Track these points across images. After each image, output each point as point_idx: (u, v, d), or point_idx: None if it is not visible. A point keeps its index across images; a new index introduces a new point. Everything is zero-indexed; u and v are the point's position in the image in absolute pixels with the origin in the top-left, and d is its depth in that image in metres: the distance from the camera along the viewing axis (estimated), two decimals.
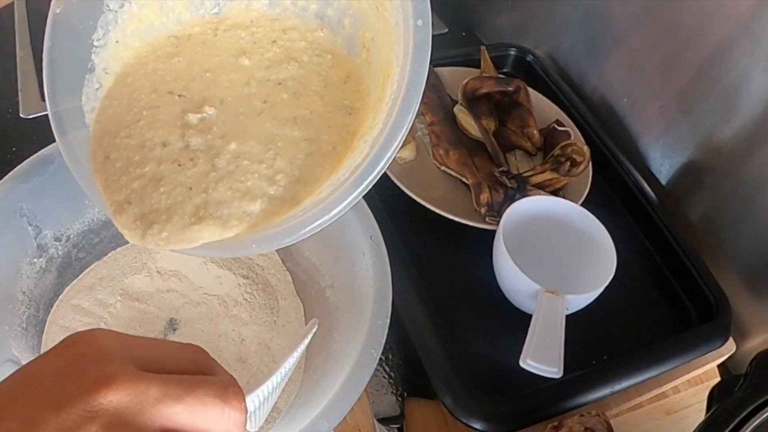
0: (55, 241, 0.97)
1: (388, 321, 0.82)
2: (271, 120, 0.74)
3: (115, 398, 0.43)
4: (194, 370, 0.49)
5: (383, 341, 0.80)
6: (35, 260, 0.94)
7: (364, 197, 0.85)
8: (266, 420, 0.83)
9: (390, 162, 0.65)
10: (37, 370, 0.45)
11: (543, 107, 1.34)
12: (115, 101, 0.77)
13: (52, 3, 0.73)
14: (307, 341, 0.71)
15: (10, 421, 0.41)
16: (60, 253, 0.98)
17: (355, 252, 0.90)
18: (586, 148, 1.15)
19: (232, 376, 0.51)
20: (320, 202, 0.68)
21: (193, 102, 0.75)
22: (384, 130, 0.66)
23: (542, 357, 0.88)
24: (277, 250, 1.04)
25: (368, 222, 0.91)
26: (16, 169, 0.90)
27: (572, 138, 1.23)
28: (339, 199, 0.65)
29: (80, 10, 0.75)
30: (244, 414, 0.50)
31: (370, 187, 0.66)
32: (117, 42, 0.79)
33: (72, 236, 0.99)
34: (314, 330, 0.75)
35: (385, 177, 1.08)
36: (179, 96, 0.75)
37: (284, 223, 0.68)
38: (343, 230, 0.92)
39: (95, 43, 0.78)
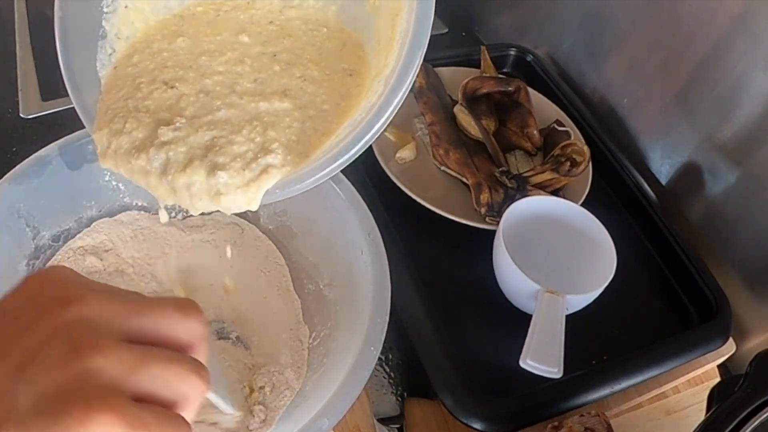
0: (52, 242, 0.97)
1: (387, 319, 0.82)
2: (258, 98, 0.76)
3: (79, 310, 0.44)
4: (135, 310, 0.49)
5: (382, 339, 0.80)
6: (33, 261, 0.95)
7: (362, 197, 0.87)
8: (264, 420, 0.84)
9: (406, 93, 0.69)
10: (10, 303, 0.47)
11: (543, 107, 1.34)
12: (119, 81, 0.79)
13: None
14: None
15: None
16: (57, 253, 0.98)
17: (353, 250, 0.91)
18: (586, 148, 1.16)
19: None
20: (341, 142, 0.71)
21: (181, 96, 0.77)
22: (397, 66, 0.69)
23: (542, 357, 0.88)
24: (278, 248, 1.04)
25: (367, 221, 0.91)
26: (13, 170, 0.90)
27: (572, 138, 1.24)
28: (366, 129, 0.69)
29: None
30: (205, 324, 0.51)
31: (391, 117, 0.70)
32: (126, 7, 0.82)
33: (69, 237, 0.99)
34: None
35: (385, 177, 1.10)
36: (172, 88, 0.77)
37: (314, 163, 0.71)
38: (342, 229, 0.92)
39: (105, 10, 0.81)
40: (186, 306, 0.50)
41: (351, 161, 0.70)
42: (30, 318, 0.44)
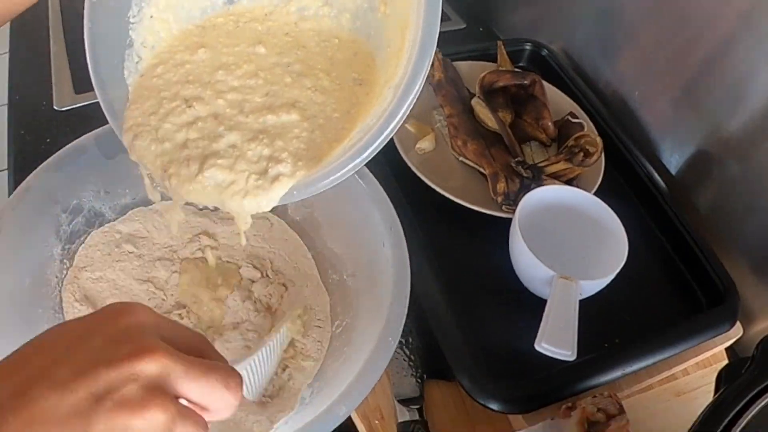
0: (87, 227, 1.00)
1: (406, 310, 0.84)
2: (266, 112, 0.79)
3: (153, 366, 0.51)
4: (199, 351, 0.58)
5: (401, 329, 0.82)
6: (68, 246, 0.97)
7: (384, 187, 0.89)
8: (284, 405, 0.87)
9: (415, 100, 0.70)
10: (87, 330, 0.53)
11: (557, 100, 1.35)
12: (145, 91, 0.81)
13: None
14: (288, 324, 0.78)
15: (64, 369, 0.49)
16: (92, 236, 1.01)
17: (375, 242, 0.93)
18: (598, 140, 1.17)
19: (227, 361, 0.62)
20: (353, 146, 0.73)
21: (197, 119, 0.79)
22: (406, 73, 0.71)
23: (556, 340, 0.89)
24: (304, 239, 1.07)
25: (389, 214, 0.93)
26: (51, 158, 0.93)
27: (585, 130, 1.24)
28: (376, 134, 0.71)
29: None
30: (239, 399, 0.58)
31: (401, 123, 0.71)
32: (152, 17, 0.84)
33: (105, 223, 1.02)
34: (297, 313, 0.80)
35: (405, 167, 1.10)
36: (190, 107, 0.79)
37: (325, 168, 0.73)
38: (365, 221, 0.94)
39: (131, 20, 0.82)
40: (230, 380, 0.57)
41: (363, 164, 0.72)
42: (114, 355, 0.51)
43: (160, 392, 0.51)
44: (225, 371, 0.58)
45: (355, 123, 0.78)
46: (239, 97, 0.80)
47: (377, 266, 0.92)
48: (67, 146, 0.95)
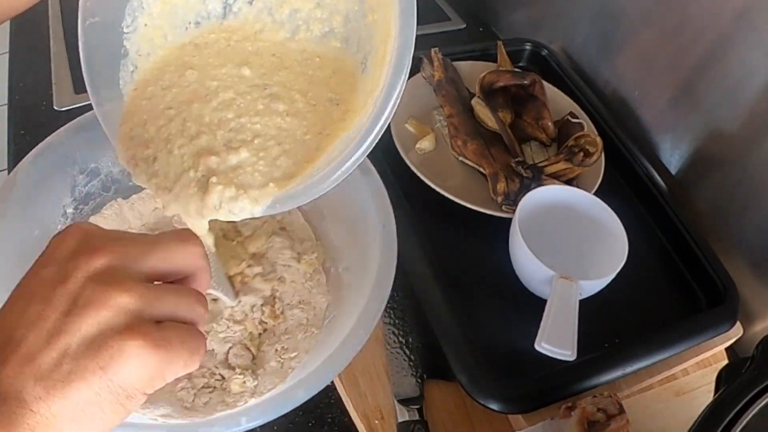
0: (103, 191, 1.02)
1: (382, 309, 0.85)
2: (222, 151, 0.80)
3: (103, 260, 0.55)
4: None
5: (374, 325, 0.83)
6: (82, 206, 1.00)
7: (386, 187, 0.89)
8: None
9: (394, 110, 0.71)
10: (43, 263, 0.57)
11: (557, 100, 1.35)
12: (137, 110, 0.83)
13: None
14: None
15: (33, 307, 0.53)
16: (104, 202, 1.04)
17: (370, 239, 0.93)
18: (598, 139, 1.17)
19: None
20: (336, 158, 0.74)
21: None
22: (385, 83, 0.72)
23: (556, 340, 0.90)
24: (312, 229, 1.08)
25: (384, 211, 0.94)
26: (73, 120, 0.96)
27: (585, 129, 1.24)
28: (361, 141, 0.72)
29: (108, 2, 0.80)
30: (202, 247, 0.62)
31: (381, 132, 0.71)
32: (146, 25, 0.84)
33: (121, 189, 1.04)
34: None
35: (405, 167, 1.11)
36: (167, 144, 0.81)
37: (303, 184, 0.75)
38: (364, 217, 0.95)
39: (125, 30, 0.83)
40: (184, 235, 0.61)
41: (350, 171, 0.73)
42: (65, 271, 0.54)
43: (117, 278, 0.54)
44: (172, 232, 0.62)
45: (330, 142, 0.79)
46: (208, 134, 0.81)
47: (367, 263, 0.92)
48: (90, 112, 0.94)
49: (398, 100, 0.71)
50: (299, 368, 0.90)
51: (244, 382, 0.87)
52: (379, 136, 0.71)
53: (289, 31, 0.90)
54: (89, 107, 0.85)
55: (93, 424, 0.52)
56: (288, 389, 0.79)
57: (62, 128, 0.95)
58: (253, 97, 0.84)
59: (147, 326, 0.54)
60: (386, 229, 0.92)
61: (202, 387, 0.87)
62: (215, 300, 0.91)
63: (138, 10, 0.83)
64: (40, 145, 0.94)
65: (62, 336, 0.51)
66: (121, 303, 0.53)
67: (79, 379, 0.51)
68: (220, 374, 0.89)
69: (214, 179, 0.75)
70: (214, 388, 0.88)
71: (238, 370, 0.89)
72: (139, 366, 0.53)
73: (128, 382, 0.52)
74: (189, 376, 0.88)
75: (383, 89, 0.71)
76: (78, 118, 0.96)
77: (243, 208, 0.74)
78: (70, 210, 0.99)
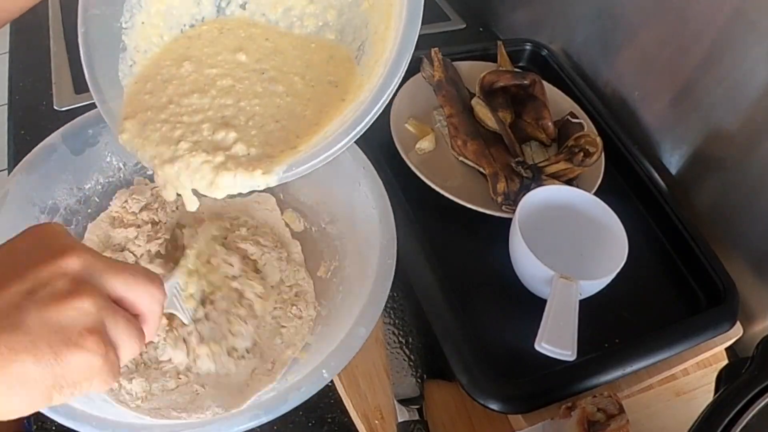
0: (65, 225, 1.00)
1: (395, 240, 0.88)
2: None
3: (78, 261, 0.57)
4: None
5: (394, 262, 0.87)
6: None
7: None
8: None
9: (399, 80, 0.74)
10: (12, 247, 0.59)
11: (557, 100, 1.35)
12: (138, 103, 0.84)
13: None
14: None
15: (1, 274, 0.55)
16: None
17: (351, 184, 0.95)
18: (598, 140, 1.17)
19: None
20: (349, 119, 0.76)
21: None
22: (396, 42, 0.74)
23: (556, 340, 0.89)
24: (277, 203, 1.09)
25: (359, 155, 0.96)
26: (24, 160, 0.95)
27: (585, 130, 1.25)
28: (364, 114, 0.75)
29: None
30: (164, 295, 0.65)
31: (387, 101, 0.74)
32: (143, 23, 0.87)
33: (81, 220, 1.03)
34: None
35: (405, 167, 1.11)
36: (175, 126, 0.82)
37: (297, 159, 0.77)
38: (336, 167, 0.94)
39: (124, 26, 0.85)
40: (151, 276, 0.63)
41: (360, 133, 0.75)
42: (37, 258, 0.56)
43: (88, 284, 0.57)
44: (144, 268, 0.64)
45: (329, 119, 0.81)
46: (206, 118, 0.83)
47: (357, 207, 0.95)
48: (37, 147, 0.96)
49: (408, 62, 0.74)
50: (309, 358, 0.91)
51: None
52: (394, 90, 0.74)
53: (283, 29, 0.92)
54: (89, 107, 0.86)
55: (23, 398, 0.53)
56: (312, 371, 0.79)
57: (14, 171, 0.94)
58: (252, 82, 0.85)
59: (103, 334, 0.56)
60: (366, 170, 0.97)
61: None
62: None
63: (136, 7, 0.85)
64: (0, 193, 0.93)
65: (20, 310, 0.53)
66: (86, 305, 0.55)
67: (27, 353, 0.52)
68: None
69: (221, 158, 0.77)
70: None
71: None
72: (84, 364, 0.55)
73: (69, 374, 0.54)
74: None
75: (394, 48, 0.74)
76: (24, 159, 0.95)
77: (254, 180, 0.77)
78: None
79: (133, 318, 0.61)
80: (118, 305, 0.60)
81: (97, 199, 1.04)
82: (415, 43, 0.74)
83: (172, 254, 1.01)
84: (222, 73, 0.86)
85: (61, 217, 0.99)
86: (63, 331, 0.53)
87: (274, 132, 0.81)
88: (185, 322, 0.86)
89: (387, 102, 0.74)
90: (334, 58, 0.89)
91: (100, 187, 1.04)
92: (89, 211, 1.03)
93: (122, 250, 1.01)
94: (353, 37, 0.87)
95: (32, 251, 0.58)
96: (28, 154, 0.95)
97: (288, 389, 0.78)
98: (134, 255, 1.00)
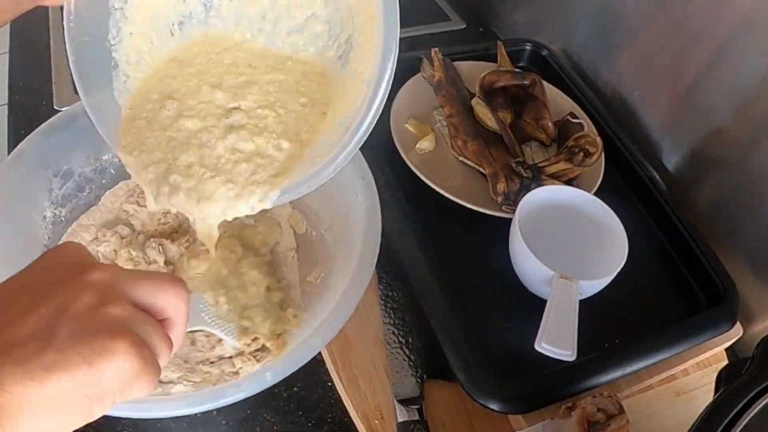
0: (78, 191, 1.03)
1: (378, 249, 0.88)
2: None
3: (100, 275, 0.58)
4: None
5: (374, 263, 0.87)
6: (59, 209, 1.01)
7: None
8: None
9: (389, 84, 0.74)
10: (36, 269, 0.59)
11: (557, 100, 1.35)
12: (131, 129, 0.86)
13: (64, 20, 0.78)
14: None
15: (22, 300, 0.55)
16: (81, 203, 1.04)
17: (349, 194, 0.96)
18: (598, 140, 1.17)
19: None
20: (336, 142, 0.78)
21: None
22: (377, 64, 0.74)
23: (556, 340, 0.89)
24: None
25: (360, 165, 0.96)
26: (44, 123, 0.96)
27: (585, 130, 1.25)
28: (360, 123, 0.76)
29: (91, 20, 0.81)
30: (188, 294, 0.64)
31: (382, 105, 0.75)
32: (131, 34, 0.86)
33: (95, 189, 1.05)
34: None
35: (405, 167, 1.11)
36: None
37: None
38: (340, 173, 0.95)
39: (112, 42, 0.84)
40: (176, 280, 0.63)
41: (356, 150, 0.76)
42: (62, 276, 0.57)
43: (114, 294, 0.57)
44: (166, 273, 0.66)
45: (310, 140, 0.83)
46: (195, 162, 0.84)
47: (351, 216, 0.95)
48: (60, 113, 0.98)
49: (394, 68, 0.74)
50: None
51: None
52: (382, 105, 0.75)
53: (271, 21, 0.91)
54: None
55: (60, 417, 0.53)
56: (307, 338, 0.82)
57: (33, 133, 0.96)
58: (220, 131, 0.86)
59: (134, 335, 0.56)
60: (365, 182, 0.96)
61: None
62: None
63: (121, 21, 0.85)
64: (14, 151, 0.95)
65: (51, 330, 0.53)
66: (113, 313, 0.56)
67: (62, 370, 0.52)
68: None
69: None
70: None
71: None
72: (121, 368, 0.54)
73: (107, 383, 0.54)
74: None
75: (381, 53, 0.74)
76: (47, 122, 0.97)
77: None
78: (48, 214, 1.00)
79: (160, 324, 0.62)
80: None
81: (113, 171, 1.06)
82: (398, 39, 0.73)
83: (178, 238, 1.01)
84: (201, 117, 0.87)
85: (74, 182, 1.02)
86: (94, 341, 0.53)
87: (249, 177, 0.83)
88: (220, 336, 0.86)
89: (378, 113, 0.75)
90: (306, 75, 0.89)
91: (117, 160, 1.04)
92: (104, 181, 1.05)
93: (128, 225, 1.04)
94: (341, 28, 0.87)
95: (55, 270, 0.58)
96: (50, 119, 0.97)
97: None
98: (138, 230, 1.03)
